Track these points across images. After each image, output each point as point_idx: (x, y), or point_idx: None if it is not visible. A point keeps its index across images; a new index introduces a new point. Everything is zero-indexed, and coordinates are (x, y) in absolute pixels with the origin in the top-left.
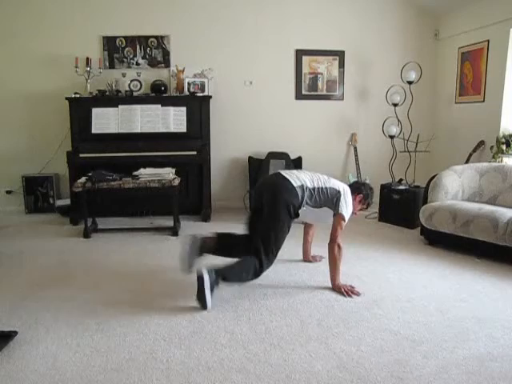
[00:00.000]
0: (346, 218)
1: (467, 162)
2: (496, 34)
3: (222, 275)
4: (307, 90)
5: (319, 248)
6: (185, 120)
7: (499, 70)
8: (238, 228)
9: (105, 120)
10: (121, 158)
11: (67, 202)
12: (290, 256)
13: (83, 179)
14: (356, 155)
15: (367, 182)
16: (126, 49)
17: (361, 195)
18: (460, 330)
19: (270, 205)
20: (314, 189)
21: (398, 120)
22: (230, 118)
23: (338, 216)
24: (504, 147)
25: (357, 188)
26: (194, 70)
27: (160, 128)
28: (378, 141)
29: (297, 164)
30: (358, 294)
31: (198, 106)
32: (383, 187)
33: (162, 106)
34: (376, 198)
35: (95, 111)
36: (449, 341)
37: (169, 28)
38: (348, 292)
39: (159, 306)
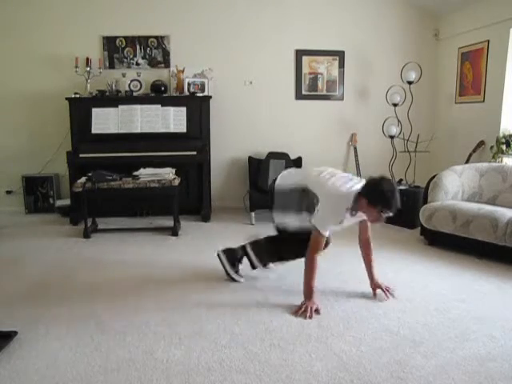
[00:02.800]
0: (320, 228)
1: (467, 161)
2: (496, 33)
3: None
4: (307, 90)
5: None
6: (185, 120)
7: (499, 70)
8: (238, 227)
9: (105, 120)
10: (121, 158)
11: (67, 202)
12: None
13: (83, 179)
14: (356, 155)
15: (388, 179)
16: (126, 49)
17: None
18: (460, 329)
19: None
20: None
21: (398, 120)
22: (230, 118)
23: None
24: (504, 147)
25: (364, 189)
26: (194, 70)
27: (160, 128)
28: (378, 141)
29: (297, 164)
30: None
31: (197, 105)
32: None
33: (162, 106)
34: None
35: (95, 111)
36: (449, 341)
37: (169, 28)
38: (307, 315)
39: (159, 305)
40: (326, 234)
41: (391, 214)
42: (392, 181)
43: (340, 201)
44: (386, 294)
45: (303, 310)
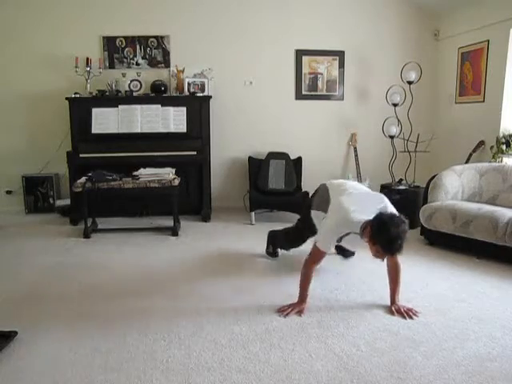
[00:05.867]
0: (321, 246)
1: (467, 162)
2: (496, 34)
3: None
4: (307, 90)
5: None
6: (185, 120)
7: (499, 70)
8: (238, 227)
9: (105, 120)
10: (121, 158)
11: (67, 202)
12: (290, 258)
13: (83, 179)
14: (356, 155)
15: (401, 219)
16: (126, 49)
17: (371, 233)
18: (460, 329)
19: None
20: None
21: (398, 120)
22: (230, 117)
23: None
24: (504, 147)
25: (374, 222)
26: (193, 70)
27: (160, 128)
28: (377, 141)
29: (297, 164)
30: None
31: (198, 106)
32: (383, 187)
33: (162, 106)
34: None
35: (95, 111)
36: (449, 341)
37: (169, 28)
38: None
39: (159, 305)
40: (326, 250)
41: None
42: (401, 223)
43: (345, 225)
44: (405, 317)
45: (287, 309)
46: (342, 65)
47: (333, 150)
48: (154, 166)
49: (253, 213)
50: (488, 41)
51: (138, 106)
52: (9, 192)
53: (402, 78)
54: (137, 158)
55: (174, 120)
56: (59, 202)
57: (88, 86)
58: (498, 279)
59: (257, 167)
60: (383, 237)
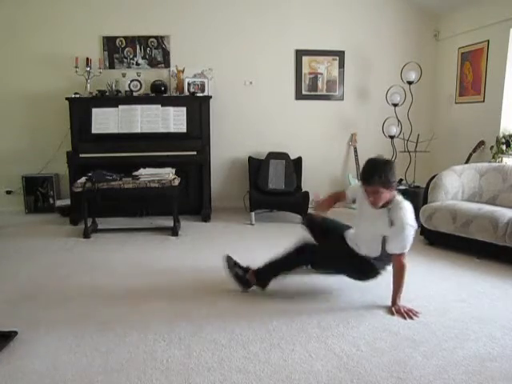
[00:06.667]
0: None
1: (467, 162)
2: (496, 34)
3: None
4: (307, 90)
5: None
6: (185, 120)
7: (499, 70)
8: (238, 227)
9: (105, 120)
10: (121, 158)
11: (67, 202)
12: None
13: (83, 179)
14: (356, 155)
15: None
16: (126, 49)
17: None
18: (460, 329)
19: None
20: None
21: (398, 120)
22: (230, 118)
23: None
24: (504, 147)
25: None
26: (194, 70)
27: (160, 128)
28: (377, 141)
29: (297, 164)
30: None
31: (198, 106)
32: None
33: (162, 106)
34: None
35: (95, 111)
36: (449, 341)
37: (169, 28)
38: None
39: (159, 305)
40: (347, 193)
41: (371, 188)
42: (382, 158)
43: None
44: (405, 317)
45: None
46: (342, 65)
47: (333, 149)
48: (154, 166)
49: (253, 213)
50: (488, 41)
51: (138, 106)
52: (9, 192)
53: (402, 78)
54: (137, 158)
55: (174, 120)
56: (59, 202)
57: (88, 86)
58: (498, 279)
59: (257, 167)
60: (363, 169)
